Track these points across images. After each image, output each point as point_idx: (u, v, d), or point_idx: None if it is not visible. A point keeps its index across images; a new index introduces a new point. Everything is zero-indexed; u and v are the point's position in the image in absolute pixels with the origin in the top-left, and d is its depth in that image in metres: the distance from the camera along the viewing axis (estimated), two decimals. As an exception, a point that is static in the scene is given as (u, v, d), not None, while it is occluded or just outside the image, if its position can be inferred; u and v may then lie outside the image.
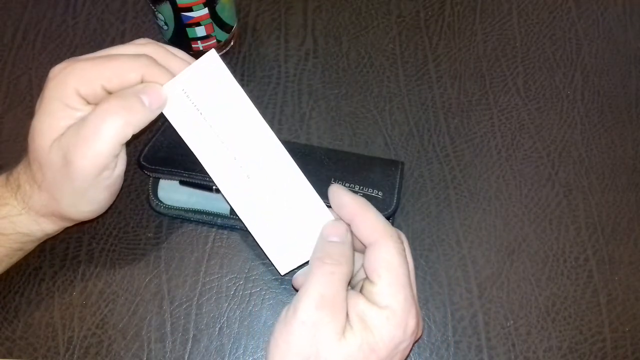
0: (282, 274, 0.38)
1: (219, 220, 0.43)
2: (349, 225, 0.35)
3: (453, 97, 0.51)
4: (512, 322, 0.42)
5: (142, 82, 0.35)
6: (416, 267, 0.43)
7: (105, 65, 0.35)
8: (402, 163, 0.44)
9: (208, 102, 0.36)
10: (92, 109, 0.34)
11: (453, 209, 0.46)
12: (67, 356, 0.40)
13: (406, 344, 0.33)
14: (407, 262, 0.34)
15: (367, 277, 0.34)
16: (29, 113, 0.49)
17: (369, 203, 0.35)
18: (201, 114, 0.36)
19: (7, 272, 0.41)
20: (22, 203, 0.37)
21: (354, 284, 0.36)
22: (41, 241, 0.41)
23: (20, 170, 0.37)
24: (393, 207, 0.41)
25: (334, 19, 0.55)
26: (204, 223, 0.44)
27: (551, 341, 0.41)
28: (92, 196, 0.36)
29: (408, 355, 0.35)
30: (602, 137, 0.49)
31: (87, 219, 0.39)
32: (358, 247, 0.36)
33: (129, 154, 0.37)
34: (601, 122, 0.50)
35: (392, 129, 0.49)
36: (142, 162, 0.42)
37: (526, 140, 0.49)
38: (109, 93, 0.35)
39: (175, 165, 0.42)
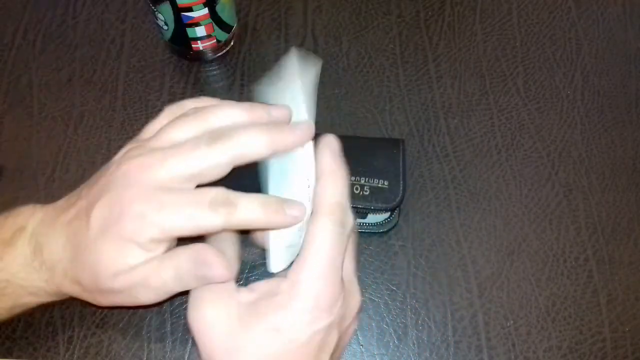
0: (274, 272, 0.36)
1: None
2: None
3: (453, 97, 0.51)
4: (512, 322, 0.42)
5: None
6: (416, 267, 0.43)
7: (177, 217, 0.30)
8: (403, 141, 0.44)
9: None
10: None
11: (453, 209, 0.46)
12: (67, 356, 0.40)
13: (324, 323, 0.30)
14: (334, 248, 0.31)
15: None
16: (29, 113, 0.49)
17: (341, 174, 0.32)
18: None
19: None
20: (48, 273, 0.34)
21: None
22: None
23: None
24: (400, 196, 0.41)
25: (334, 19, 0.55)
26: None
27: (551, 341, 0.41)
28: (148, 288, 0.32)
29: (348, 337, 0.34)
30: (602, 137, 0.49)
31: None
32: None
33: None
34: (601, 122, 0.50)
35: (392, 129, 0.49)
36: None
37: (526, 140, 0.49)
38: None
39: None
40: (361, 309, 0.34)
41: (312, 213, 0.32)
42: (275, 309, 0.30)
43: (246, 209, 0.31)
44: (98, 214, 0.31)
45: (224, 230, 0.32)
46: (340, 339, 0.32)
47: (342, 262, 0.31)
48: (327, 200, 0.31)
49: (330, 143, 0.33)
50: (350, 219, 0.32)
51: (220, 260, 0.31)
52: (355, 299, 0.33)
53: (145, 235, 0.30)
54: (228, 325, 0.30)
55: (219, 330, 0.30)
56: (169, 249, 0.32)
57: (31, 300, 0.35)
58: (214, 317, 0.31)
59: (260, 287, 0.32)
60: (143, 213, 0.30)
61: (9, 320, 0.38)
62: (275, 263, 0.36)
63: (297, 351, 0.30)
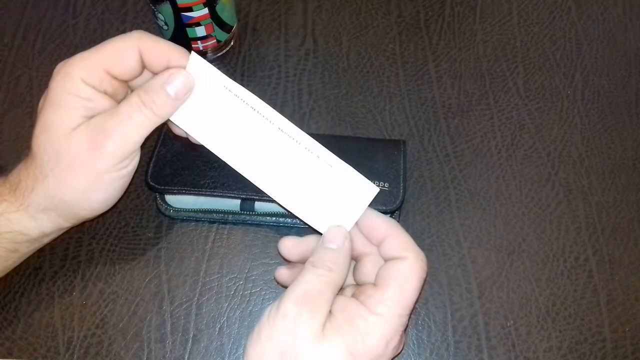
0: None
1: (230, 217, 0.44)
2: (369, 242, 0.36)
3: (453, 97, 0.51)
4: (512, 322, 0.42)
5: (140, 56, 0.36)
6: (416, 267, 0.43)
7: (101, 50, 0.36)
8: (404, 142, 0.44)
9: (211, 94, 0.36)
10: (123, 100, 0.36)
11: (453, 209, 0.46)
12: (67, 356, 0.40)
13: (384, 359, 0.33)
14: (419, 289, 0.34)
15: (374, 284, 0.34)
16: (29, 113, 0.49)
17: (397, 224, 0.36)
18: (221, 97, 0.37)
19: (7, 272, 0.41)
20: (20, 199, 0.37)
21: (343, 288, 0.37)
22: (36, 244, 0.40)
23: (20, 168, 0.37)
24: (400, 199, 0.42)
25: (334, 19, 0.55)
26: (210, 222, 0.44)
27: (551, 341, 0.41)
28: (106, 185, 0.36)
29: None
30: (602, 137, 0.49)
31: (87, 216, 0.39)
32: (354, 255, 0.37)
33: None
34: (601, 122, 0.50)
35: (392, 129, 0.49)
36: (151, 183, 0.42)
37: (526, 140, 0.49)
38: (117, 79, 0.36)
39: (185, 182, 0.42)
40: None
41: (392, 258, 0.35)
42: (353, 333, 0.32)
43: None
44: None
45: None
46: None
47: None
48: (406, 246, 0.35)
49: (368, 211, 0.37)
50: None
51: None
52: (403, 337, 0.36)
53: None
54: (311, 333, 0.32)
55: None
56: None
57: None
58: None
59: (341, 305, 0.34)
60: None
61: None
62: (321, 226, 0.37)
63: None
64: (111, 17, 0.54)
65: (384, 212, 0.41)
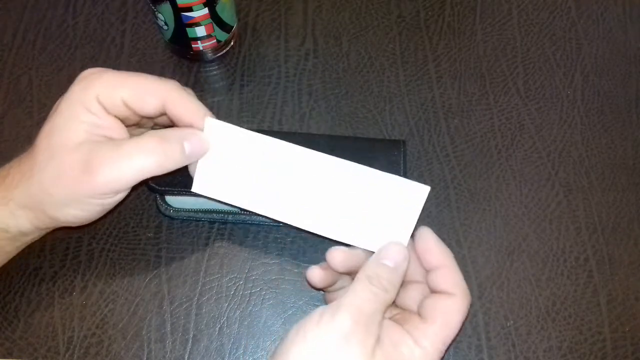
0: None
1: (230, 217, 0.44)
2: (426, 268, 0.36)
3: (453, 97, 0.51)
4: (512, 322, 0.42)
5: (163, 106, 0.36)
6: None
7: (129, 79, 0.36)
8: (404, 142, 0.44)
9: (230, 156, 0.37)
10: (138, 135, 0.36)
11: (453, 209, 0.46)
12: (67, 356, 0.40)
13: None
14: (461, 327, 0.34)
15: (418, 314, 0.34)
16: (29, 113, 0.49)
17: (452, 255, 0.36)
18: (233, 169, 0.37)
19: (7, 272, 0.41)
20: (3, 192, 0.36)
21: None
22: (18, 243, 0.39)
23: (14, 162, 0.37)
24: None
25: (334, 19, 0.55)
26: (210, 222, 0.44)
27: (551, 341, 0.41)
28: (85, 207, 0.36)
29: None
30: (602, 137, 0.49)
31: (66, 224, 0.38)
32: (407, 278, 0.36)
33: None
34: (601, 122, 0.50)
35: (392, 129, 0.49)
36: (151, 184, 0.42)
37: (526, 140, 0.49)
38: (131, 109, 0.36)
39: (185, 182, 0.42)
40: None
41: (442, 292, 0.35)
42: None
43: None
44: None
45: None
46: None
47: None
48: (457, 283, 0.35)
49: (427, 233, 0.37)
50: None
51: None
52: None
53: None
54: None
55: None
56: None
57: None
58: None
59: (387, 330, 0.33)
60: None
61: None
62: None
63: None
64: (111, 17, 0.54)
65: None
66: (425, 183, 0.35)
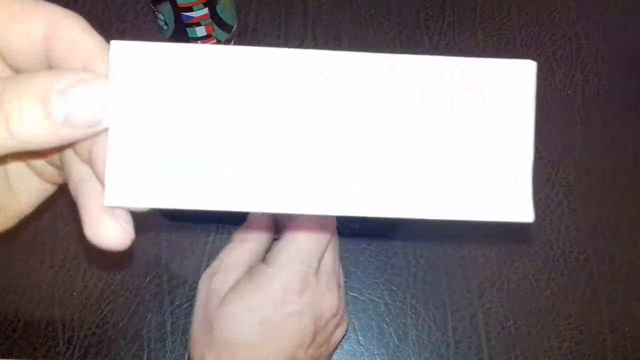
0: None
1: (230, 217, 0.43)
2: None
3: (453, 97, 0.51)
4: (512, 322, 0.42)
5: (40, 46, 0.20)
6: (416, 267, 0.43)
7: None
8: None
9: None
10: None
11: (453, 209, 0.46)
12: (67, 356, 0.40)
13: (295, 307, 0.31)
14: (316, 238, 0.33)
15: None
16: (29, 113, 0.49)
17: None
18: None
19: (7, 272, 0.41)
20: None
21: None
22: None
23: None
24: None
25: (334, 19, 0.55)
26: (210, 222, 0.44)
27: (551, 341, 0.41)
28: None
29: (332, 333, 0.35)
30: (602, 137, 0.49)
31: None
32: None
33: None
34: (601, 122, 0.50)
35: (392, 129, 0.49)
36: None
37: (526, 140, 0.49)
38: None
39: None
40: (343, 312, 0.35)
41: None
42: (252, 288, 0.32)
43: None
44: None
45: None
46: (316, 333, 0.33)
47: (319, 255, 0.33)
48: None
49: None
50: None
51: None
52: (333, 295, 0.34)
53: None
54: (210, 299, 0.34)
55: (200, 302, 0.34)
56: None
57: None
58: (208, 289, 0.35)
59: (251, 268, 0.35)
60: None
61: None
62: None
63: (269, 334, 0.31)
64: (111, 16, 0.54)
65: None
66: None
